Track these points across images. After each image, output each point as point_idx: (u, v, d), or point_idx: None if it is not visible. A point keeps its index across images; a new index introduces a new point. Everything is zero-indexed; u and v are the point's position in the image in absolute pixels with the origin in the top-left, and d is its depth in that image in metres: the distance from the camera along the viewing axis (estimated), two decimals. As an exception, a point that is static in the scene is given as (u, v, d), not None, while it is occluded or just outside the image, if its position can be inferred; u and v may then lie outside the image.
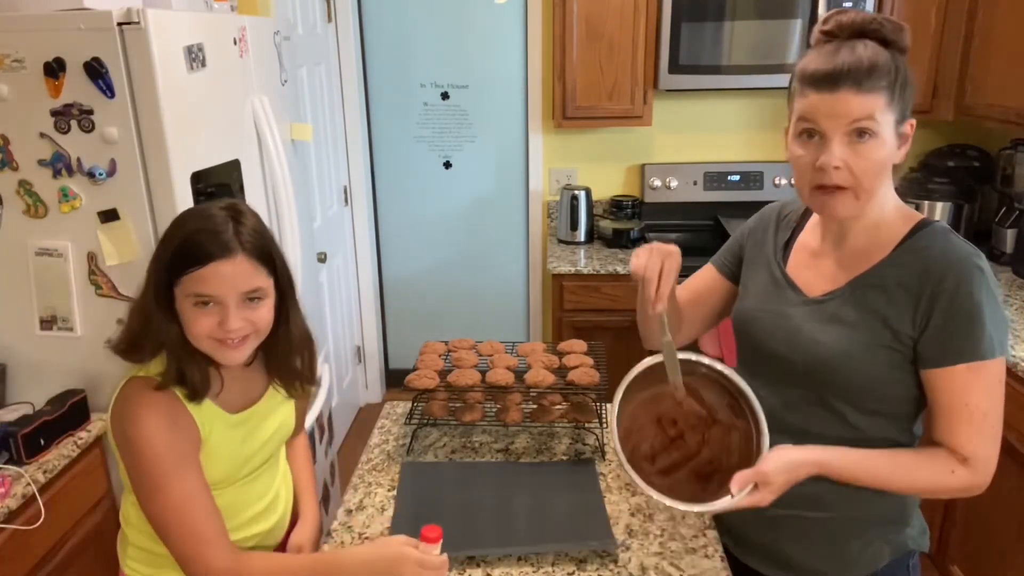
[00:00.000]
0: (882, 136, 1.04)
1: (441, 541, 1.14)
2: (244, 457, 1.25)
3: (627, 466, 1.10)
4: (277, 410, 1.32)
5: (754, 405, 1.13)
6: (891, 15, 2.77)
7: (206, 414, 1.18)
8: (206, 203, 1.21)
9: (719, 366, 1.17)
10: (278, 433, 1.33)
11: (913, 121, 1.09)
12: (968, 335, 1.05)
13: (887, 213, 1.14)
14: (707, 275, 1.43)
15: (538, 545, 1.26)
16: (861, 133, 1.04)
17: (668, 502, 1.08)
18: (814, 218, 1.25)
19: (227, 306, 1.11)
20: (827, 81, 1.03)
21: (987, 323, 1.05)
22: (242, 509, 1.29)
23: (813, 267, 1.21)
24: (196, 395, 1.16)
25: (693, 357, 1.18)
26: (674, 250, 1.14)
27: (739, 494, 1.06)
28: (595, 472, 1.49)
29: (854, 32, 1.06)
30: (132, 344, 1.16)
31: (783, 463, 1.08)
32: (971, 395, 1.06)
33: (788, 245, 1.27)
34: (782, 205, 1.35)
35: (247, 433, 1.25)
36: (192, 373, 1.14)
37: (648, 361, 1.17)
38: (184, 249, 1.10)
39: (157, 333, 1.13)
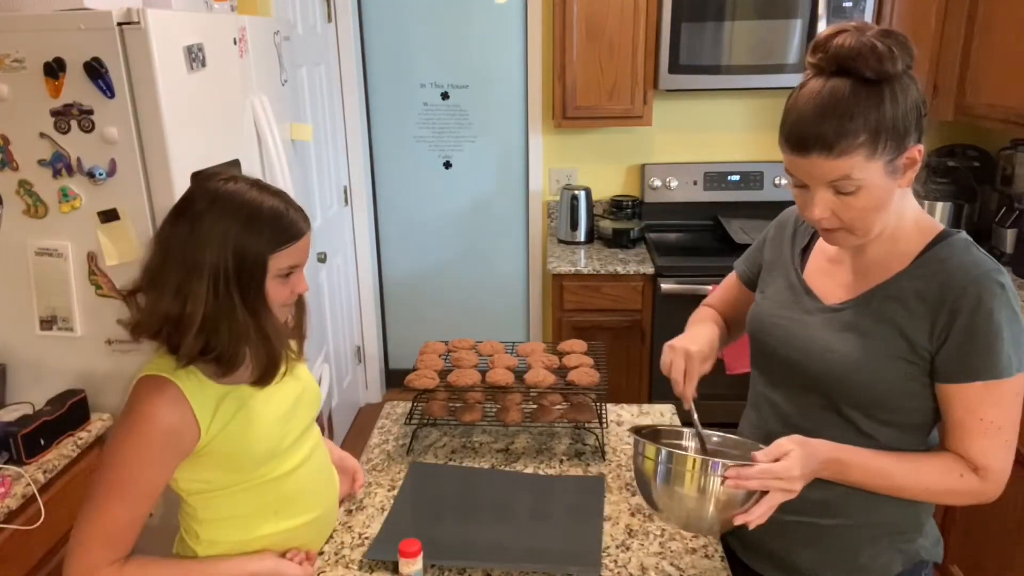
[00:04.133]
0: (867, 185, 1.01)
1: (420, 555, 1.18)
2: (276, 419, 1.23)
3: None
4: (293, 370, 1.29)
5: None
6: (891, 16, 2.77)
7: (223, 399, 1.16)
8: (233, 185, 1.15)
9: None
10: (306, 394, 1.31)
11: (920, 146, 1.04)
12: (986, 354, 1.03)
13: (905, 225, 1.11)
14: (733, 285, 1.44)
15: (519, 563, 1.24)
16: (841, 188, 1.02)
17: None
18: None
19: (301, 268, 1.19)
20: (798, 147, 1.02)
21: (1006, 342, 1.03)
22: (308, 486, 1.28)
23: (830, 274, 1.20)
24: (272, 376, 1.18)
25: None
26: (694, 351, 1.23)
27: (752, 506, 1.03)
28: (602, 491, 1.45)
29: (839, 66, 1.01)
30: (204, 349, 1.12)
31: (796, 443, 1.04)
32: (986, 410, 1.05)
33: (806, 251, 1.26)
34: None
35: (268, 395, 1.22)
36: (279, 357, 1.17)
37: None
38: (280, 228, 1.13)
39: (239, 334, 1.12)
